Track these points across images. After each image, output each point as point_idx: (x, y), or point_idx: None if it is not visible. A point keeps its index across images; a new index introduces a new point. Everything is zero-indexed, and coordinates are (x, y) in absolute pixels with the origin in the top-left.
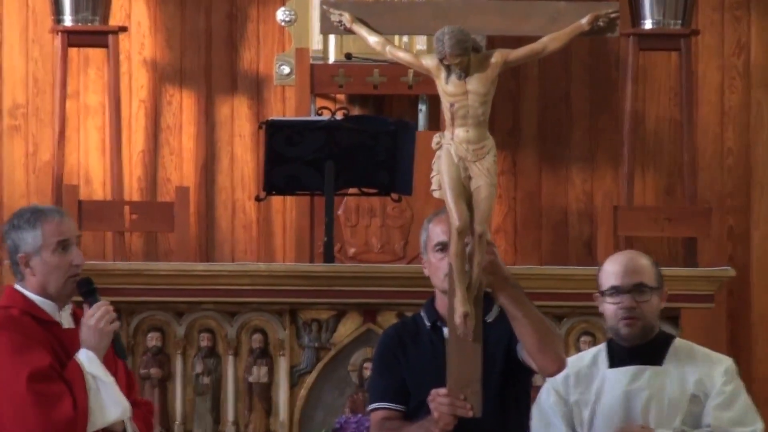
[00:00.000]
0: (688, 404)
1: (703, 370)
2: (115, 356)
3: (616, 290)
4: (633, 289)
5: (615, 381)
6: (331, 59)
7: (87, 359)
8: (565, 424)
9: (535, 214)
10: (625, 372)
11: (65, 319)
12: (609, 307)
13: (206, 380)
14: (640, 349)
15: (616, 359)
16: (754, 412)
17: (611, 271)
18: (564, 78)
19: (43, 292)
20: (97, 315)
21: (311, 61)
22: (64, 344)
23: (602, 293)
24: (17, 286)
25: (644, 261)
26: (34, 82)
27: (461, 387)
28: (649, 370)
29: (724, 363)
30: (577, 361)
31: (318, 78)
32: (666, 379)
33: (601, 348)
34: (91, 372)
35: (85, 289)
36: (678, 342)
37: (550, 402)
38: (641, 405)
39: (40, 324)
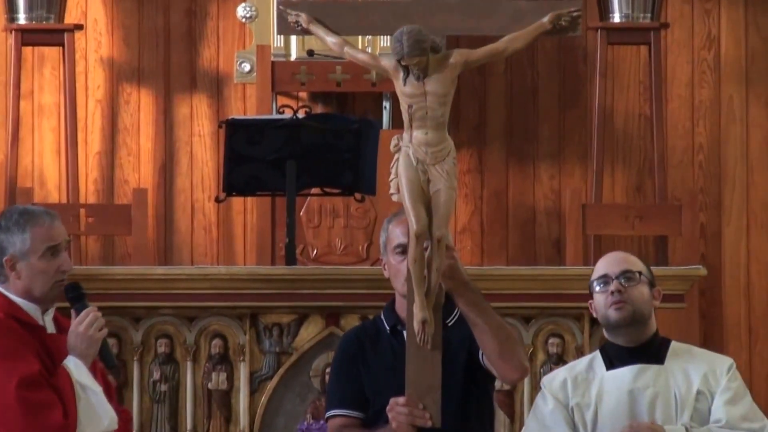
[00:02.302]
0: (694, 400)
1: (707, 367)
2: (94, 364)
3: (604, 279)
4: (620, 275)
5: (617, 380)
6: (293, 56)
7: (75, 367)
8: (568, 428)
9: (502, 212)
10: (626, 371)
11: (48, 324)
12: (599, 297)
13: (164, 387)
14: (639, 349)
15: (614, 361)
16: (758, 409)
17: (600, 264)
18: (531, 73)
19: (27, 296)
20: (86, 321)
21: (272, 59)
22: (49, 350)
23: (592, 291)
24: (0, 288)
25: (633, 256)
26: None
27: (420, 396)
28: (652, 368)
29: (727, 361)
30: (571, 367)
31: (279, 75)
32: (670, 377)
33: (595, 354)
34: (80, 381)
35: (72, 295)
36: (675, 344)
37: (548, 408)
38: (647, 403)
39: (25, 328)
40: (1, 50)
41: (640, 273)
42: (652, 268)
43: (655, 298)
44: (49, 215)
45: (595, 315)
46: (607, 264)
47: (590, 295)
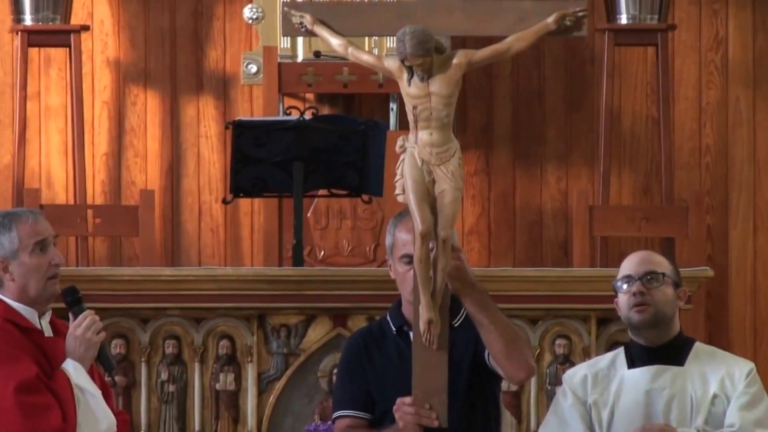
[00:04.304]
0: (710, 404)
1: (726, 371)
2: (92, 367)
3: (628, 279)
4: (643, 275)
5: (635, 380)
6: (300, 57)
7: (74, 370)
8: (584, 425)
9: (509, 214)
10: (646, 371)
11: (45, 328)
12: (622, 298)
13: (172, 388)
14: (660, 350)
15: (636, 361)
16: None
17: (625, 264)
18: (537, 74)
19: (23, 298)
20: (84, 324)
21: (279, 60)
22: (47, 353)
23: (617, 290)
24: None
25: (659, 256)
26: None
27: (427, 396)
28: (670, 370)
29: (748, 365)
30: (593, 363)
31: (286, 77)
32: (688, 379)
33: (619, 351)
34: (79, 384)
35: (70, 299)
36: (699, 345)
37: (567, 404)
38: (663, 404)
39: (22, 332)
40: (7, 51)
41: (664, 274)
42: None
43: (679, 298)
44: (32, 213)
45: (619, 314)
46: (631, 264)
47: (615, 294)
